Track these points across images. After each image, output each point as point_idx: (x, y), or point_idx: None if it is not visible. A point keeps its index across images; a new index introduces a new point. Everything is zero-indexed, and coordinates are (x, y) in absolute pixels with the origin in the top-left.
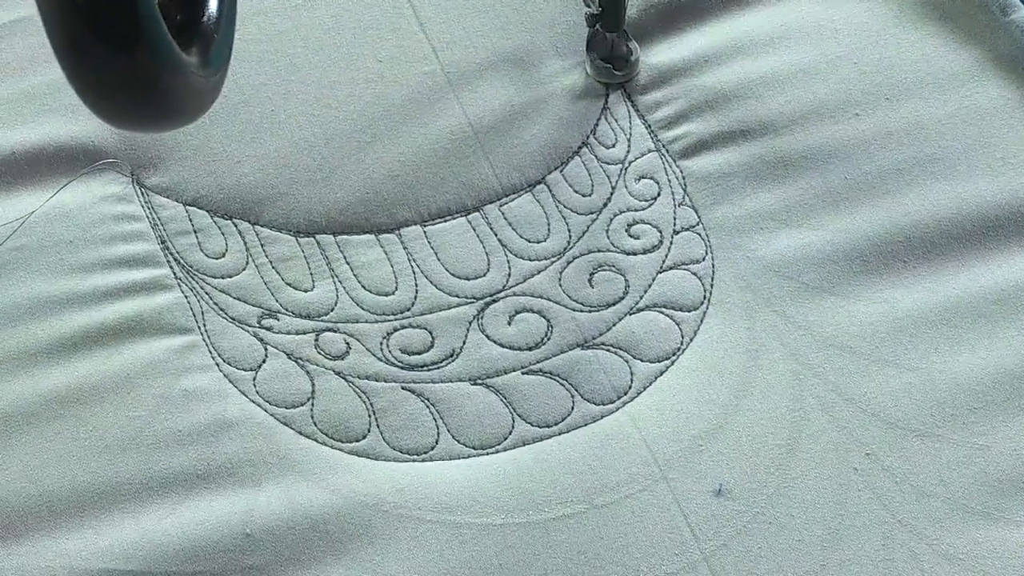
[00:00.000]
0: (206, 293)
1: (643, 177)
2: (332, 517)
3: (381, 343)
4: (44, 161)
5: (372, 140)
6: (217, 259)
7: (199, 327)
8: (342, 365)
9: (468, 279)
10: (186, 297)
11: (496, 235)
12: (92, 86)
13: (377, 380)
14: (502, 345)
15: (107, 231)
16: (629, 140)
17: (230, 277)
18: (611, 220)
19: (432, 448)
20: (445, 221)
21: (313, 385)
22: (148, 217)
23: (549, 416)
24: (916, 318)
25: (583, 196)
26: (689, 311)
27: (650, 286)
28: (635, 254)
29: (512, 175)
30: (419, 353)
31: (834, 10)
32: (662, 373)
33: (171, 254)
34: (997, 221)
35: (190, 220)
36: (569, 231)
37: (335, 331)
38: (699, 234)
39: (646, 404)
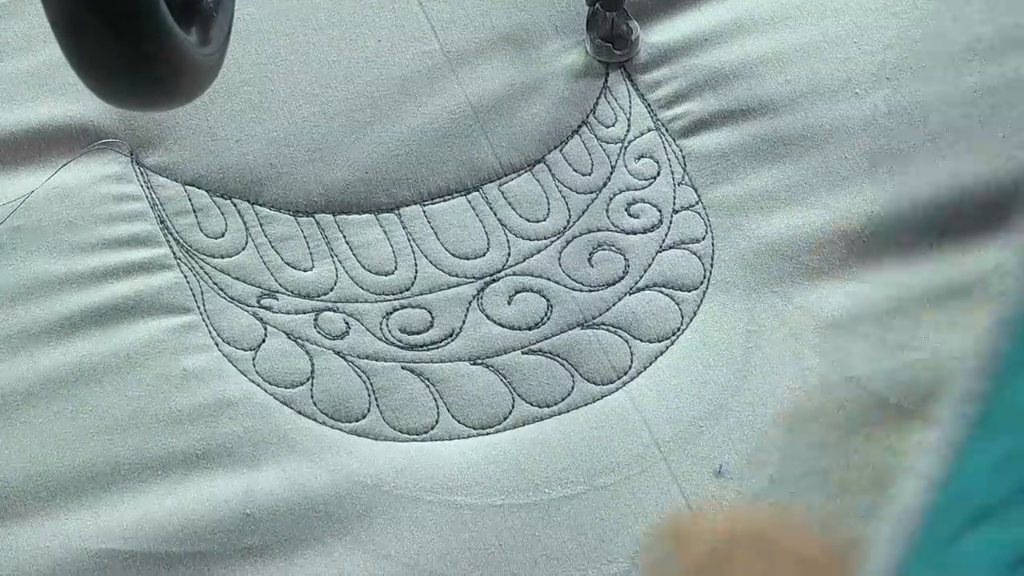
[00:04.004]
0: (205, 273)
1: (643, 156)
2: (332, 497)
3: (381, 323)
4: (43, 141)
5: (371, 120)
6: (216, 239)
7: (198, 307)
8: (342, 345)
9: (468, 259)
10: (185, 277)
11: (496, 214)
12: (91, 66)
13: (377, 360)
14: (502, 325)
15: (106, 211)
16: (629, 119)
17: (229, 257)
18: (611, 199)
19: (432, 428)
20: (445, 200)
21: (313, 365)
22: (147, 197)
23: (549, 396)
24: (916, 298)
25: (583, 175)
26: (689, 291)
27: (650, 265)
28: (635, 233)
29: (512, 154)
30: (419, 333)
31: None
32: (662, 353)
33: (170, 234)
34: (1000, 199)
35: (189, 200)
36: (569, 210)
37: (335, 311)
38: (699, 213)
39: (646, 384)
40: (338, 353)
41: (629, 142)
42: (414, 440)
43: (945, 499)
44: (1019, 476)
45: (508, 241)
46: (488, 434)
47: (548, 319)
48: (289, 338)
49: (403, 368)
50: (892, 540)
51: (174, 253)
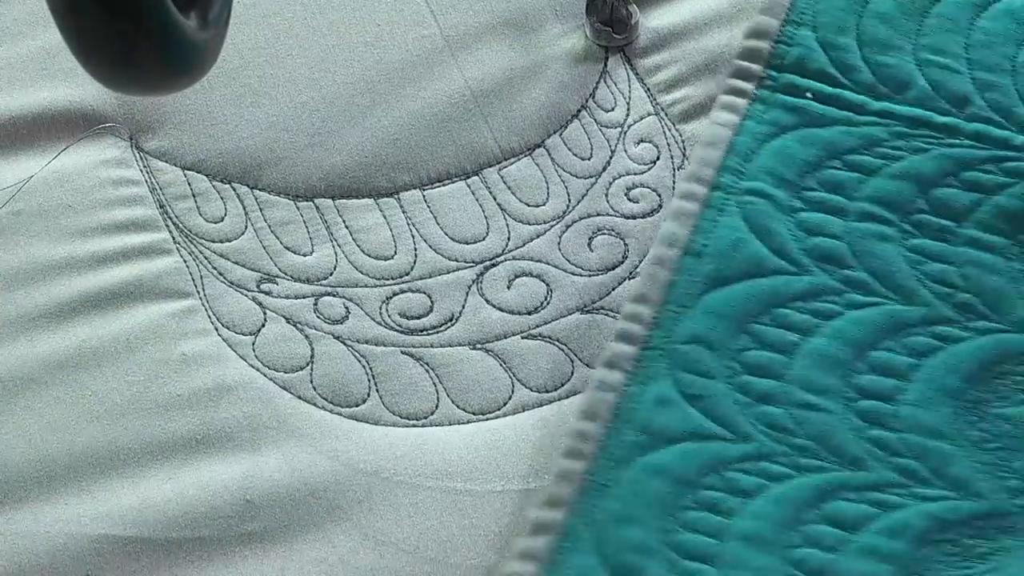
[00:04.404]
0: (205, 257)
1: (642, 141)
2: (331, 483)
3: (380, 307)
4: (42, 125)
5: (371, 104)
6: (216, 223)
7: (198, 291)
8: (341, 329)
9: (467, 243)
10: (185, 261)
11: (495, 199)
12: (90, 50)
13: (376, 344)
14: (501, 309)
15: (106, 196)
16: (628, 103)
17: (229, 241)
18: (610, 184)
19: (432, 413)
20: (444, 185)
21: (312, 349)
22: (147, 181)
23: (549, 381)
24: None
25: (582, 160)
26: None
27: (649, 250)
28: (634, 218)
29: (511, 139)
30: (418, 317)
31: None
32: None
33: (170, 218)
34: None
35: (189, 184)
36: (568, 195)
37: (334, 295)
38: None
39: None
40: (338, 338)
41: (629, 126)
42: (414, 425)
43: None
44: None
45: (508, 225)
46: (488, 419)
47: (548, 304)
48: (289, 323)
49: (403, 353)
50: None
51: (173, 238)
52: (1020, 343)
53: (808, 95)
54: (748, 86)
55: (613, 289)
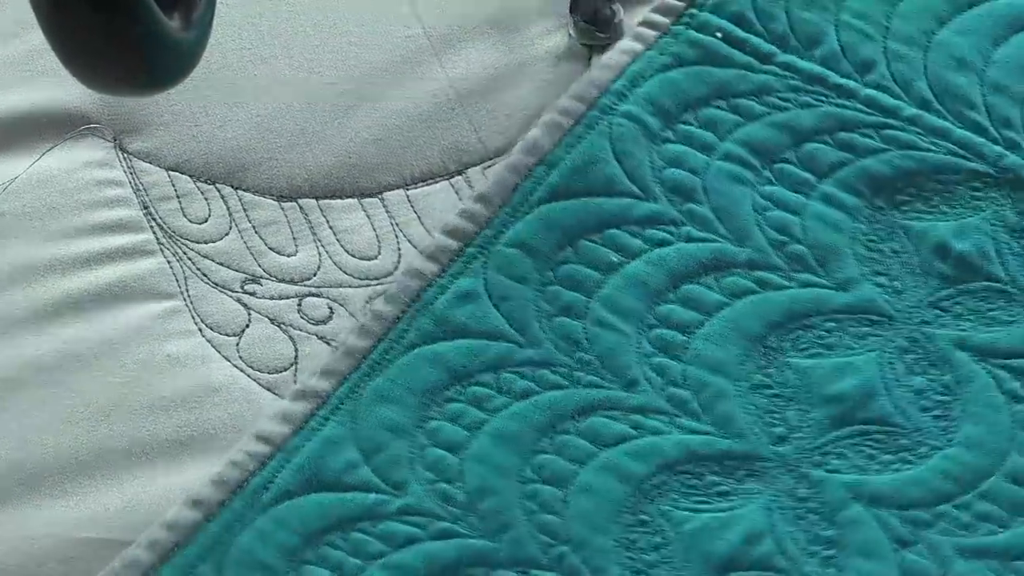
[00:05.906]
0: (189, 258)
1: None
2: None
3: (364, 308)
4: (26, 126)
5: (354, 104)
6: (200, 224)
7: (182, 292)
8: (325, 330)
9: None
10: (169, 262)
11: None
12: (73, 50)
13: None
14: None
15: (89, 197)
16: None
17: (213, 242)
18: None
19: None
20: (428, 184)
21: (296, 350)
22: (131, 182)
23: None
24: None
25: None
26: None
27: None
28: None
29: (495, 138)
30: None
31: None
32: None
33: (154, 219)
34: None
35: (172, 185)
36: None
37: (318, 296)
38: None
39: None
40: (322, 338)
41: None
42: None
43: None
44: None
45: None
46: None
47: None
48: (273, 323)
49: None
50: None
51: (157, 239)
52: (836, 301)
53: (718, 34)
54: (665, 20)
55: None
